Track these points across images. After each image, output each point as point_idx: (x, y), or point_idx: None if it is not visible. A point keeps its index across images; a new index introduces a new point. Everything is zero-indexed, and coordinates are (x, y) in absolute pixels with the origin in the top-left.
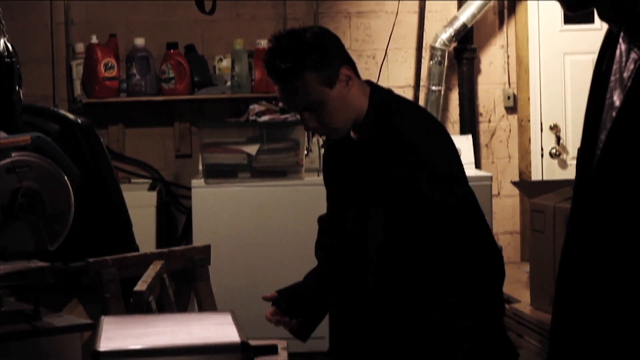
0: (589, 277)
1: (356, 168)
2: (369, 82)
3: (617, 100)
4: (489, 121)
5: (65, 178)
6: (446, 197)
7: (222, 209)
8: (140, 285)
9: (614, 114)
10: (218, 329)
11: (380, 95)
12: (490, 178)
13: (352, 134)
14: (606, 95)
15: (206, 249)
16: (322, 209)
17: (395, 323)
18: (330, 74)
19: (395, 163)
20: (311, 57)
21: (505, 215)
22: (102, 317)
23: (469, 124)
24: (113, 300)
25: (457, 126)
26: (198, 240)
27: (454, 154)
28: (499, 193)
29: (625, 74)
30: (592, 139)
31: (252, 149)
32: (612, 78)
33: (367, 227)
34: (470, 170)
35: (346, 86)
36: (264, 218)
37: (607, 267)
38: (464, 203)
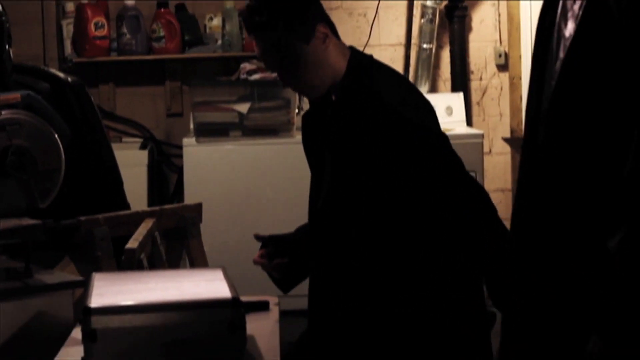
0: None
1: (333, 133)
2: (350, 47)
3: (569, 30)
4: (480, 79)
5: (56, 136)
6: (440, 149)
7: (213, 168)
8: (132, 243)
9: (567, 43)
10: (209, 285)
11: (360, 58)
12: (482, 136)
13: (333, 97)
14: (552, 40)
15: (198, 207)
16: None
17: (378, 299)
18: (306, 29)
19: (374, 127)
20: (287, 11)
21: (496, 172)
22: (94, 273)
23: (460, 81)
24: (104, 259)
25: (448, 84)
26: (189, 198)
27: (436, 120)
28: (490, 151)
29: (576, 6)
30: (541, 78)
31: (244, 108)
32: (559, 12)
33: (344, 198)
34: (461, 128)
35: (323, 43)
36: (256, 176)
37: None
38: (455, 159)
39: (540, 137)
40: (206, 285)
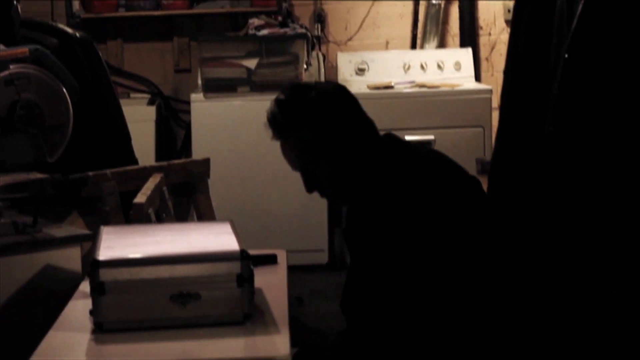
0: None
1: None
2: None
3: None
4: (489, 34)
5: (64, 90)
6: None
7: (221, 123)
8: (140, 198)
9: (575, 21)
10: (217, 238)
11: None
12: (490, 91)
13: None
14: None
15: (206, 162)
16: None
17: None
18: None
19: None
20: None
21: None
22: (102, 227)
23: (469, 37)
24: (113, 213)
25: (457, 39)
26: (197, 154)
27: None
28: (498, 106)
29: None
30: (544, 49)
31: (252, 63)
32: None
33: None
34: (470, 83)
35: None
36: (263, 132)
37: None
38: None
39: (553, 93)
40: (214, 238)
